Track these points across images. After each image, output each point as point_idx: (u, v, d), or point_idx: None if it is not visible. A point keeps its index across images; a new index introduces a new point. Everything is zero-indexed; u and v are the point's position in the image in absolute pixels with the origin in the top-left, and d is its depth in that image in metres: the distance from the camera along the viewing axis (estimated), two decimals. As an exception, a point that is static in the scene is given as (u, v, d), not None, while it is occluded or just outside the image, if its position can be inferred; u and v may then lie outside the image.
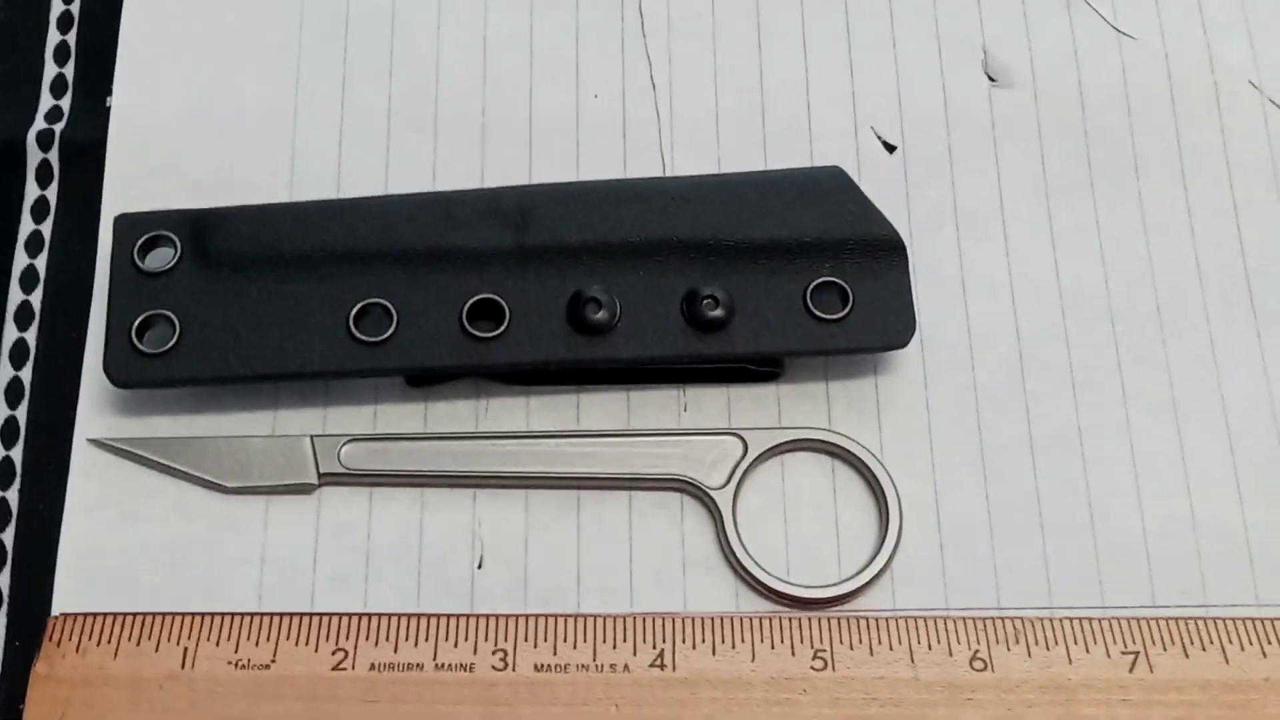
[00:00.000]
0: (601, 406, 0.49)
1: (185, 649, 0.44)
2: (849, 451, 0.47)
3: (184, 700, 0.43)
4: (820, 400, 0.49)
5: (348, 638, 0.45)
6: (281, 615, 0.45)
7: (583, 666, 0.44)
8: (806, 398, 0.49)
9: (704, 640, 0.45)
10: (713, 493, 0.47)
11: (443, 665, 0.44)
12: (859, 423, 0.48)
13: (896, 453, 0.48)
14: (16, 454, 0.48)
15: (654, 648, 0.44)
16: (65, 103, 0.53)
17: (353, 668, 0.44)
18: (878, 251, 0.48)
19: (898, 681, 0.44)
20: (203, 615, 0.45)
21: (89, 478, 0.48)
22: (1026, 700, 0.43)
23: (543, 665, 0.44)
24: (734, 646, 0.45)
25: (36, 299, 0.50)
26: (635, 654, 0.44)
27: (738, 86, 0.53)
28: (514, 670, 0.44)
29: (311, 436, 0.48)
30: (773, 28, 0.54)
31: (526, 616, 0.45)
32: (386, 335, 0.47)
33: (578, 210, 0.48)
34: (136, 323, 0.47)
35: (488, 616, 0.45)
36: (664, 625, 0.45)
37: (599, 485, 0.47)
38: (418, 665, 0.44)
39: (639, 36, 0.54)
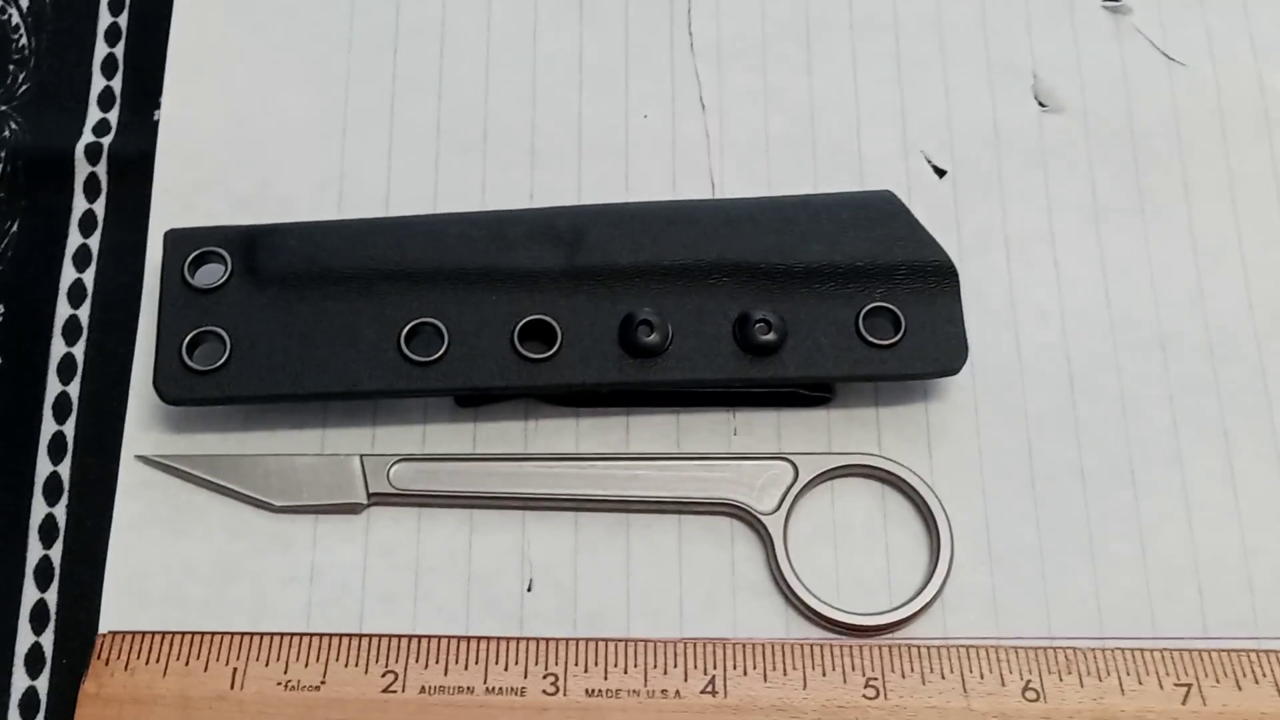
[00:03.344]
0: (651, 429, 0.48)
1: (235, 669, 0.44)
2: (900, 478, 0.47)
3: (234, 721, 0.43)
4: (871, 426, 0.49)
5: (398, 660, 0.44)
6: (331, 636, 0.45)
7: (634, 692, 0.44)
8: (857, 423, 0.49)
9: (755, 667, 0.44)
10: (763, 518, 0.47)
11: (493, 689, 0.44)
12: (910, 449, 0.48)
13: (947, 479, 0.48)
14: (64, 470, 0.48)
15: (705, 674, 0.44)
16: (113, 116, 0.53)
17: (403, 690, 0.44)
18: (929, 277, 0.48)
19: (950, 711, 0.44)
20: (252, 635, 0.45)
21: (136, 495, 0.47)
22: (1080, 731, 0.43)
23: (594, 690, 0.44)
24: (785, 673, 0.44)
25: (84, 313, 0.50)
26: (686, 680, 0.44)
27: (787, 108, 0.53)
28: (565, 695, 0.44)
29: (361, 456, 0.47)
30: (822, 50, 0.54)
31: (577, 641, 0.45)
32: (437, 355, 0.47)
33: (630, 232, 0.48)
34: (187, 339, 0.47)
35: (538, 640, 0.45)
36: (715, 651, 0.45)
37: (648, 508, 0.47)
38: (468, 689, 0.44)
39: (688, 57, 0.54)
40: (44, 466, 0.48)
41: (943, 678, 0.44)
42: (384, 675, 0.44)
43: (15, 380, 0.49)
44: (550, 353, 0.47)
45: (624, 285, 0.48)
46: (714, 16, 0.55)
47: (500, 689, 0.44)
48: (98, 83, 0.54)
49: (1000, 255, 0.51)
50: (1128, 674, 0.44)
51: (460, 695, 0.44)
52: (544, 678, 0.44)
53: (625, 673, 0.44)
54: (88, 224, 0.51)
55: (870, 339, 0.47)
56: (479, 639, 0.45)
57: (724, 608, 0.46)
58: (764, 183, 0.52)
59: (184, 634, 0.45)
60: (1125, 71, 0.54)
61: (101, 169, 0.52)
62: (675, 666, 0.44)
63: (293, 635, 0.45)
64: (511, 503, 0.47)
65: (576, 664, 0.44)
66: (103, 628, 0.46)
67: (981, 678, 0.44)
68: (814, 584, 0.46)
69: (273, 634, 0.45)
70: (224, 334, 0.47)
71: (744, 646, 0.45)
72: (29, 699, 0.45)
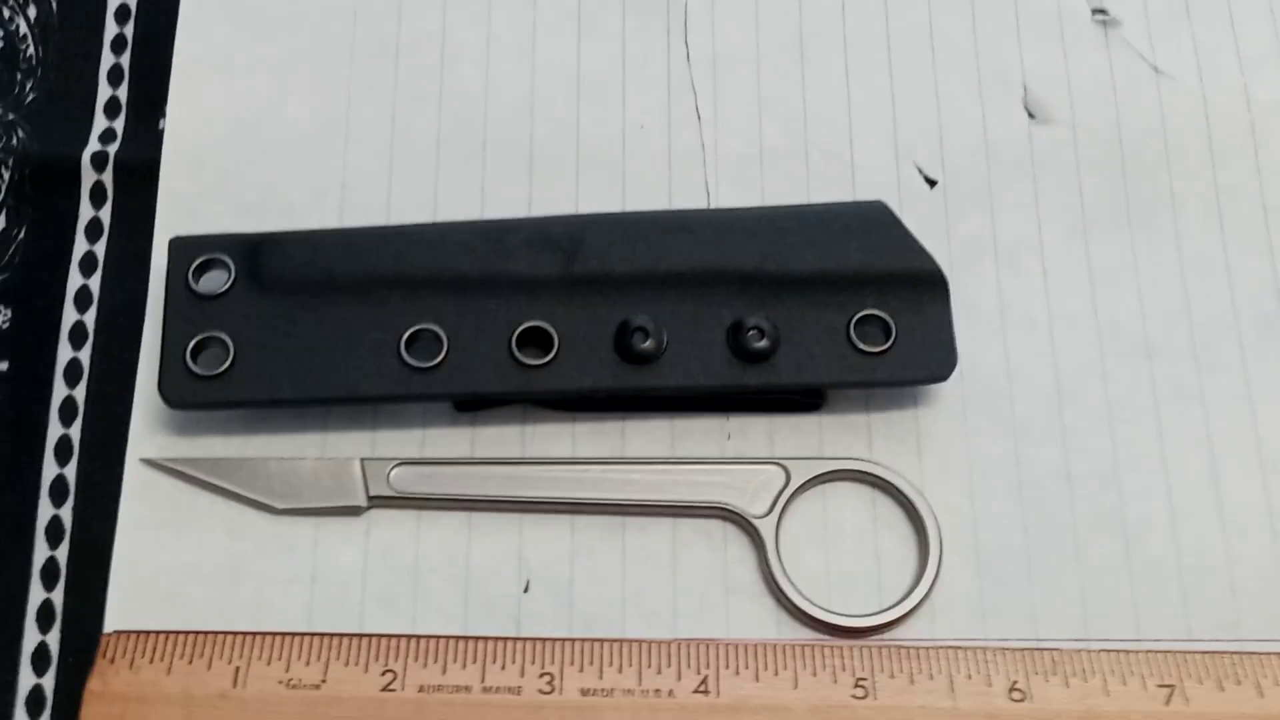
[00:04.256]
0: (646, 434, 0.49)
1: (237, 668, 0.45)
2: (889, 482, 0.48)
3: (236, 719, 0.44)
4: (861, 431, 0.49)
5: (397, 659, 0.45)
6: (331, 636, 0.46)
7: (628, 691, 0.45)
8: (848, 428, 0.49)
9: (747, 667, 0.45)
10: (755, 521, 0.48)
11: (490, 688, 0.45)
12: (899, 454, 0.49)
13: (936, 484, 0.49)
14: (70, 472, 0.49)
15: (698, 673, 0.45)
16: (119, 124, 0.54)
17: (402, 689, 0.45)
18: (920, 286, 0.49)
19: (937, 711, 0.45)
20: (254, 634, 0.46)
21: (141, 497, 0.48)
22: (1064, 731, 0.44)
23: (589, 689, 0.45)
24: (776, 674, 0.45)
25: (90, 319, 0.51)
26: (680, 679, 0.45)
27: (781, 119, 0.54)
28: (560, 694, 0.45)
29: (361, 459, 0.48)
30: (816, 60, 0.55)
31: (573, 640, 0.46)
32: (436, 361, 0.48)
33: (626, 240, 0.49)
34: (191, 345, 0.48)
35: (535, 640, 0.46)
36: (708, 651, 0.46)
37: (643, 511, 0.48)
38: (466, 687, 0.45)
39: (685, 68, 0.55)
40: (50, 469, 0.49)
41: (931, 678, 0.45)
42: (383, 674, 0.45)
43: (22, 384, 0.50)
44: (547, 359, 0.48)
45: (620, 293, 0.49)
46: (710, 29, 0.55)
47: (497, 688, 0.45)
48: (104, 92, 0.55)
49: (990, 264, 0.52)
50: (1112, 675, 0.45)
51: (458, 694, 0.45)
52: (540, 677, 0.45)
53: (620, 672, 0.45)
54: (94, 231, 0.52)
55: (861, 346, 0.48)
56: (477, 639, 0.46)
57: (717, 609, 0.47)
58: (758, 192, 0.53)
59: (187, 633, 0.46)
60: (1114, 83, 0.55)
61: (107, 177, 0.53)
62: (669, 666, 0.45)
63: (294, 635, 0.46)
64: (509, 506, 0.48)
65: (572, 663, 0.45)
66: (108, 627, 0.47)
67: (969, 678, 0.45)
68: (805, 586, 0.47)
69: (274, 633, 0.46)
70: (227, 340, 0.48)
71: (736, 647, 0.46)
72: (35, 697, 0.46)
